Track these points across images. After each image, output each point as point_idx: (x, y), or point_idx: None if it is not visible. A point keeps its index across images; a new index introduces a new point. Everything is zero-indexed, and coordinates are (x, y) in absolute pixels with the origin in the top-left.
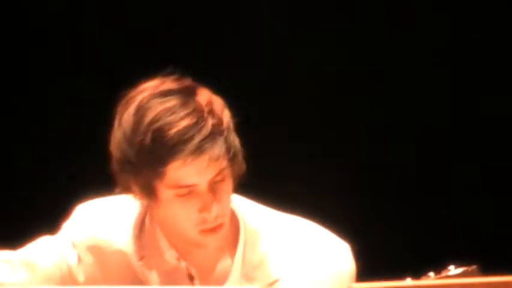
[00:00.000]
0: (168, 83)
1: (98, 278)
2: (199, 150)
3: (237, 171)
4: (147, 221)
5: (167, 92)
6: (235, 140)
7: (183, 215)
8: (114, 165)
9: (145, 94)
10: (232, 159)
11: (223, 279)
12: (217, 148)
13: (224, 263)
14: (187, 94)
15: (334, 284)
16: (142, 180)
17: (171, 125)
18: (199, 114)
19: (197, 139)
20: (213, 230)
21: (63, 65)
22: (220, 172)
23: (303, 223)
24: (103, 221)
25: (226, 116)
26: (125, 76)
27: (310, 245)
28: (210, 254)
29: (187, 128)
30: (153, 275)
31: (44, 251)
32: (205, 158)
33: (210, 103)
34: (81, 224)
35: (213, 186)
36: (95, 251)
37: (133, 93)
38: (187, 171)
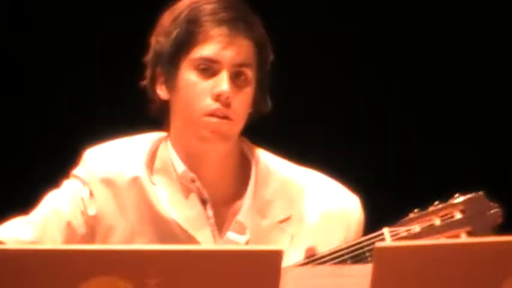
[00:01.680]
0: None
1: (111, 210)
2: (234, 20)
3: (262, 84)
4: (161, 148)
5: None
6: (266, 45)
7: (196, 90)
8: (151, 66)
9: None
10: (259, 63)
11: (235, 210)
12: (248, 31)
13: (236, 195)
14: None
15: (342, 226)
16: (170, 59)
17: (208, 5)
18: (239, 5)
19: (230, 16)
20: (222, 118)
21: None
22: (244, 64)
23: (314, 172)
24: (114, 156)
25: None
26: None
27: (322, 188)
28: (223, 181)
29: (222, 8)
30: (166, 198)
31: (59, 199)
32: (241, 35)
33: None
34: (91, 163)
35: (235, 82)
36: (107, 183)
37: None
38: (217, 40)
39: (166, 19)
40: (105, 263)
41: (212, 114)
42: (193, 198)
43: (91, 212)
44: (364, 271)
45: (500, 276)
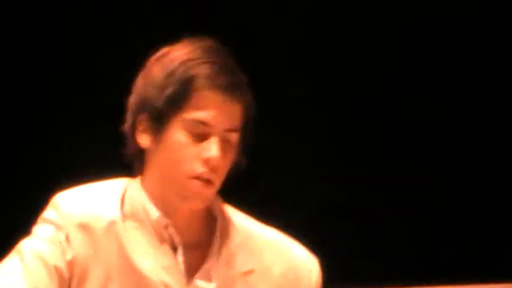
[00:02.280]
0: (198, 43)
1: (86, 255)
2: (229, 88)
3: (243, 143)
4: (129, 192)
5: (200, 45)
6: (252, 107)
7: (184, 152)
8: (134, 112)
9: (179, 47)
10: (246, 125)
11: (202, 258)
12: (246, 100)
13: (203, 243)
14: (217, 50)
15: (304, 285)
16: (158, 114)
17: (204, 66)
18: (232, 67)
19: (231, 79)
20: (206, 181)
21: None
22: (233, 129)
23: (275, 231)
24: (88, 200)
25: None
26: None
27: (284, 246)
28: (193, 228)
29: (218, 73)
30: (139, 245)
31: (38, 245)
32: (234, 101)
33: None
34: (65, 206)
35: (222, 147)
36: (83, 228)
37: (162, 52)
38: (211, 105)
39: (158, 71)
40: None
41: (197, 178)
42: (165, 245)
43: (68, 256)
44: None
45: None
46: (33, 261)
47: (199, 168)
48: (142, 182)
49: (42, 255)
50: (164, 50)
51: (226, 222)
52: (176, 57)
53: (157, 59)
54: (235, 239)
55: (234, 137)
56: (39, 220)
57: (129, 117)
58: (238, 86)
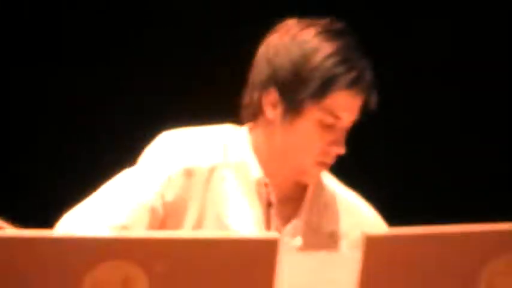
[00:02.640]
0: (326, 24)
1: (185, 198)
2: (366, 91)
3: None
4: (236, 144)
5: (332, 32)
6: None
7: (313, 142)
8: (264, 82)
9: (313, 31)
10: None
11: (292, 213)
12: (374, 97)
13: (296, 199)
14: (349, 37)
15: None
16: (294, 98)
17: (351, 61)
18: (365, 66)
19: (368, 82)
20: (327, 165)
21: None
22: (354, 121)
23: (356, 195)
24: (194, 145)
25: None
26: None
27: (363, 213)
28: (288, 186)
29: (363, 69)
30: (234, 197)
31: (139, 182)
32: (363, 99)
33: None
34: (171, 149)
35: (343, 132)
36: (187, 173)
37: (296, 27)
38: (347, 105)
39: (296, 55)
40: (117, 249)
41: (320, 163)
42: (260, 201)
43: (168, 197)
44: (355, 258)
45: (481, 262)
46: (132, 196)
47: (324, 158)
48: (252, 137)
49: (142, 193)
50: (294, 26)
51: (317, 181)
52: (317, 47)
53: (292, 37)
54: (323, 199)
55: (351, 124)
56: (146, 154)
57: (256, 82)
58: (371, 87)
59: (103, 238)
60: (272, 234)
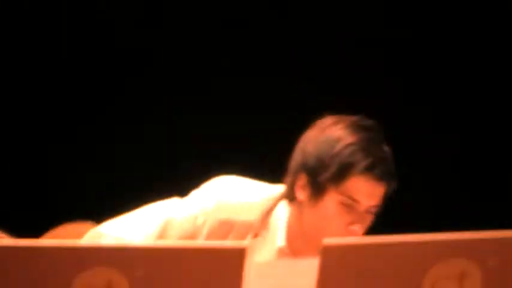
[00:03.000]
0: (355, 120)
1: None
2: (382, 178)
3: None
4: (277, 212)
5: (361, 127)
6: (393, 184)
7: (334, 221)
8: (296, 168)
9: (341, 125)
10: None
11: None
12: (392, 185)
13: None
14: (374, 132)
15: None
16: (317, 183)
17: (369, 162)
18: (385, 157)
19: (385, 169)
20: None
21: None
22: (376, 206)
23: None
24: (240, 201)
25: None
26: None
27: None
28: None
29: (380, 158)
30: (257, 252)
31: (173, 214)
32: (382, 185)
33: (388, 148)
34: (213, 193)
35: (365, 215)
36: (225, 224)
37: (327, 122)
38: (364, 189)
39: (323, 144)
40: (103, 257)
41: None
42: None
43: (200, 238)
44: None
45: (425, 268)
46: (168, 222)
47: (344, 234)
48: (289, 212)
49: (177, 224)
50: (328, 121)
51: None
52: (341, 136)
53: (324, 128)
54: None
55: (375, 209)
56: (200, 191)
57: (292, 168)
58: (388, 175)
59: (88, 246)
60: (240, 243)
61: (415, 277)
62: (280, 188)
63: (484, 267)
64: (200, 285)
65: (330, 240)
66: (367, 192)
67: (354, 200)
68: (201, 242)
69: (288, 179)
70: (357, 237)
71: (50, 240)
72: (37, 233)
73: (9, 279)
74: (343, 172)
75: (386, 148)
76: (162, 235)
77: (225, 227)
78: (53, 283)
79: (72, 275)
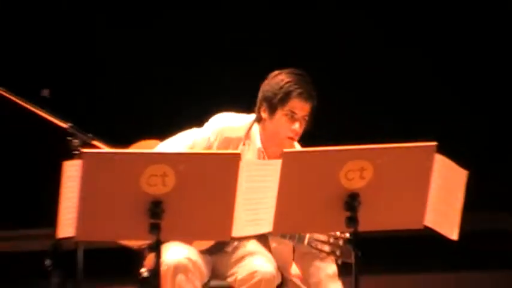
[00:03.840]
0: (300, 78)
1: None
2: (308, 99)
3: (309, 123)
4: (254, 128)
5: (301, 82)
6: (315, 105)
7: (283, 127)
8: (262, 97)
9: (286, 78)
10: (311, 114)
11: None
12: (314, 102)
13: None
14: (303, 75)
15: None
16: (274, 104)
17: (299, 90)
18: (313, 93)
19: (310, 97)
20: (293, 139)
21: None
22: (306, 116)
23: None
24: (232, 124)
25: None
26: None
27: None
28: (276, 152)
29: (306, 93)
30: (246, 154)
31: (200, 136)
32: (308, 103)
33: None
34: (219, 125)
35: (301, 121)
36: (226, 141)
37: (275, 73)
38: (298, 106)
39: (274, 84)
40: (160, 158)
41: (289, 138)
42: (259, 156)
43: (213, 149)
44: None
45: (340, 165)
46: (193, 140)
47: (290, 133)
48: (260, 126)
49: (199, 141)
50: (278, 72)
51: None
52: (283, 78)
53: (274, 76)
54: None
55: (306, 119)
56: (205, 125)
57: (258, 103)
58: (311, 98)
59: (152, 152)
60: (234, 152)
61: (336, 170)
62: (253, 116)
63: (374, 163)
64: (213, 175)
65: (288, 150)
66: (300, 107)
67: (293, 112)
68: (213, 150)
69: (256, 108)
70: (301, 148)
71: (132, 149)
72: (124, 144)
73: (112, 172)
74: (285, 97)
75: (310, 82)
76: (191, 148)
77: (226, 142)
78: (132, 173)
79: (142, 168)
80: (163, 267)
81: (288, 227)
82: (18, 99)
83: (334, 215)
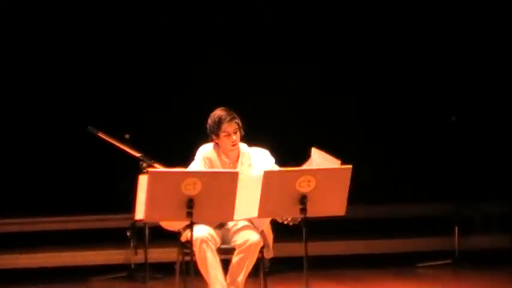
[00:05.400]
0: (224, 110)
1: (208, 165)
2: (232, 120)
3: (240, 132)
4: (214, 148)
5: (225, 112)
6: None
7: (226, 142)
8: (209, 130)
9: (217, 113)
10: (239, 127)
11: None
12: (237, 120)
13: (236, 159)
14: (229, 111)
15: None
16: (215, 131)
17: (225, 117)
18: (234, 116)
19: (233, 117)
20: (234, 145)
21: None
22: (236, 130)
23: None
24: (208, 149)
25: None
26: None
27: (262, 153)
28: (233, 157)
29: (229, 118)
30: (216, 164)
31: (197, 163)
32: (235, 122)
33: (234, 114)
34: (202, 152)
35: (236, 135)
36: (206, 158)
37: (213, 113)
38: (228, 128)
39: (212, 121)
40: (191, 174)
41: (232, 145)
42: (226, 165)
43: (205, 166)
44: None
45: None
46: (199, 166)
47: (231, 144)
48: (215, 146)
49: (200, 165)
50: (214, 113)
51: (242, 151)
52: (216, 113)
53: (211, 115)
54: (245, 155)
55: (238, 132)
56: (195, 157)
57: (209, 133)
58: (236, 119)
59: (187, 171)
60: (234, 170)
61: (294, 181)
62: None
63: (316, 177)
64: (222, 184)
65: (268, 169)
66: (230, 128)
67: (227, 132)
68: (220, 169)
69: (210, 138)
70: (280, 168)
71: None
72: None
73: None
74: (219, 124)
75: (232, 111)
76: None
77: (208, 158)
78: (176, 182)
79: (182, 180)
80: (194, 239)
81: (267, 213)
82: (112, 139)
83: (293, 207)
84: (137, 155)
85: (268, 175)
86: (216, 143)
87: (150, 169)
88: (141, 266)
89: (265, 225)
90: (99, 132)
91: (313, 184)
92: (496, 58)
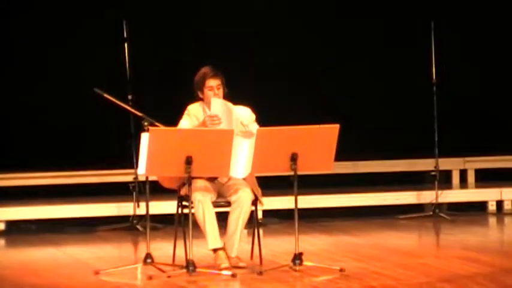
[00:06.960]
0: (209, 67)
1: (193, 119)
2: (216, 76)
3: (224, 89)
4: (200, 104)
5: (209, 69)
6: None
7: (209, 95)
8: (194, 86)
9: (202, 70)
10: (222, 84)
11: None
12: (220, 76)
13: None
14: (214, 68)
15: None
16: (200, 86)
17: (208, 73)
18: (218, 72)
19: (216, 74)
20: (218, 96)
21: None
22: (220, 85)
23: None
24: (194, 107)
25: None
26: None
27: (245, 110)
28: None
29: (213, 73)
30: (200, 116)
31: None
32: (218, 78)
33: (219, 71)
34: (189, 108)
35: (218, 90)
36: (193, 115)
37: (200, 70)
38: (212, 82)
39: (198, 76)
40: (188, 132)
41: (213, 98)
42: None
43: (194, 122)
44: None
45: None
46: (187, 121)
47: (213, 96)
48: (200, 104)
49: (188, 121)
50: (200, 70)
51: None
52: (202, 71)
53: (198, 72)
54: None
55: (221, 87)
56: (184, 115)
57: (195, 89)
58: (219, 75)
59: (185, 129)
60: (230, 129)
61: (287, 139)
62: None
63: (306, 136)
64: (218, 142)
65: (261, 128)
66: (214, 82)
67: (210, 86)
68: (213, 128)
69: (196, 94)
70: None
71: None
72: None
73: (165, 140)
74: (203, 80)
75: (216, 68)
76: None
77: (194, 115)
78: (176, 140)
79: (179, 138)
80: (192, 192)
81: (261, 169)
82: (119, 101)
83: (285, 163)
84: (140, 114)
85: (262, 132)
86: (202, 100)
87: (151, 127)
88: (143, 218)
89: (252, 181)
90: (105, 93)
91: (303, 142)
92: None
